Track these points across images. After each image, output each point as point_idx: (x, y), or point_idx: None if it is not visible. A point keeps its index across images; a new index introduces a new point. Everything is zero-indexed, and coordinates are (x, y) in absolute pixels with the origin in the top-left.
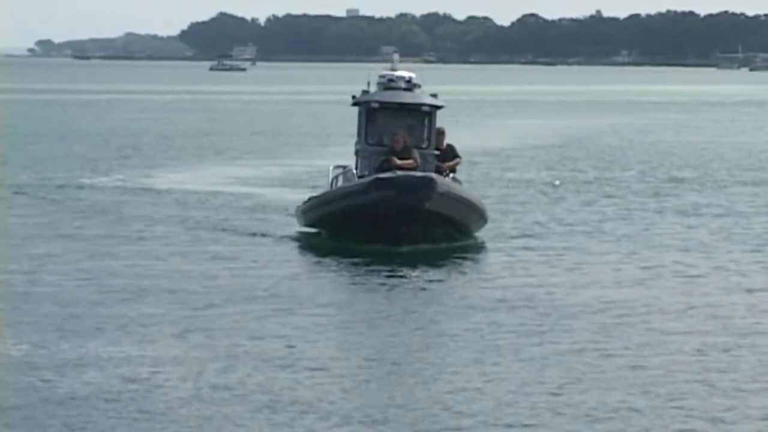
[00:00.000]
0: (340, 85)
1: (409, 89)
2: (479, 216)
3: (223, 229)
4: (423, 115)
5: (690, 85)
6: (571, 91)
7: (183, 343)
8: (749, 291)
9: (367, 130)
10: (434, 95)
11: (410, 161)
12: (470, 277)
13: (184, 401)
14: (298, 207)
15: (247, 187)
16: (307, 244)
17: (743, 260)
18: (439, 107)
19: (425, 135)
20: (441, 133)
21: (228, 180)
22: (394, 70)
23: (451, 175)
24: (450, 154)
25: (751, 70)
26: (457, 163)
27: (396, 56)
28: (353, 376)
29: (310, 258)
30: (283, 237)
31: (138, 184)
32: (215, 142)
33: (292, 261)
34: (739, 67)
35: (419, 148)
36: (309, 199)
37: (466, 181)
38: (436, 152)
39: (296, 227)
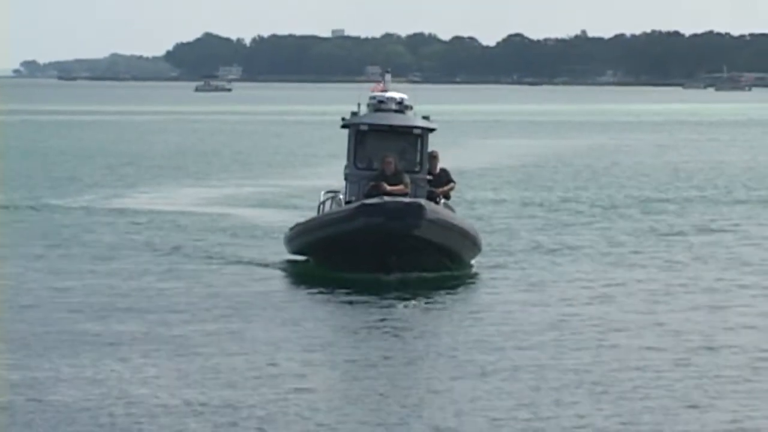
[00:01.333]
0: (326, 105)
1: (400, 111)
2: (472, 244)
3: (201, 254)
4: (414, 138)
5: (656, 103)
6: (537, 110)
7: (158, 361)
8: (718, 308)
9: (357, 154)
10: (426, 117)
11: (400, 187)
12: (456, 303)
13: (155, 417)
14: (285, 234)
15: (220, 207)
16: (290, 269)
17: (712, 278)
18: (431, 130)
19: (417, 159)
20: (434, 156)
21: (200, 201)
22: (385, 90)
23: (442, 201)
24: (443, 178)
25: (716, 90)
26: (451, 188)
27: (388, 76)
28: (334, 393)
29: (290, 280)
30: (256, 259)
31: (105, 205)
32: (193, 163)
33: (269, 281)
34: (705, 87)
35: (411, 172)
36: (295, 225)
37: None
38: (429, 177)
39: (271, 249)
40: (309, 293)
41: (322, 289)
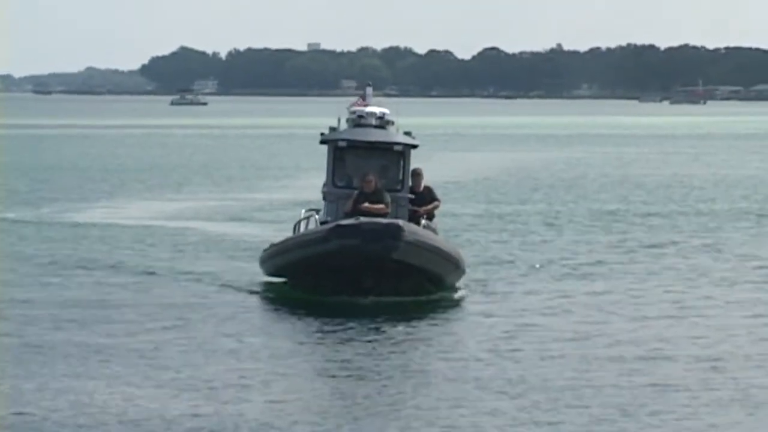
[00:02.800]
0: (303, 118)
1: (381, 126)
2: (454, 266)
3: (149, 267)
4: (396, 155)
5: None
6: (492, 123)
7: (119, 371)
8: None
9: (335, 171)
10: (408, 133)
11: (381, 206)
12: (435, 324)
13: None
14: (261, 255)
15: (180, 221)
16: (264, 289)
17: (677, 290)
18: (413, 146)
19: (398, 177)
20: (418, 174)
21: (158, 214)
22: (366, 105)
23: (422, 221)
24: (427, 197)
25: (671, 103)
26: (435, 207)
27: (369, 90)
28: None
29: (263, 303)
30: (214, 272)
31: (60, 219)
32: (154, 176)
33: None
34: (660, 101)
35: (392, 191)
36: (270, 246)
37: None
38: (411, 196)
39: (230, 264)
40: (278, 311)
41: (294, 309)
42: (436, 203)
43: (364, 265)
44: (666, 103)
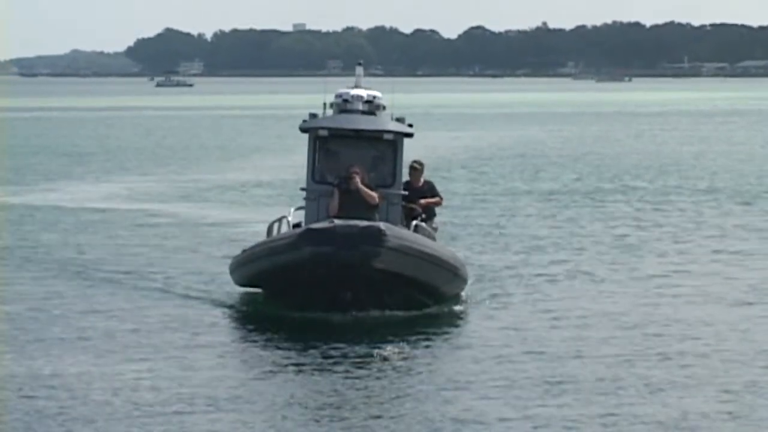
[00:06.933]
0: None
1: (369, 112)
2: (452, 274)
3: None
4: (386, 144)
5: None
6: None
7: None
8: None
9: (315, 164)
10: (401, 119)
11: (373, 194)
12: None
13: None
14: (230, 263)
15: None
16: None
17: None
18: (407, 135)
19: (390, 170)
20: (416, 168)
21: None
22: (357, 87)
23: (414, 222)
24: (428, 194)
25: (597, 81)
26: (436, 204)
27: (359, 69)
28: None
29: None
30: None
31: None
32: (130, 158)
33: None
34: (597, 81)
35: (382, 186)
36: (242, 251)
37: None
38: (404, 192)
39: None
40: (241, 330)
41: (264, 325)
42: (437, 199)
43: (340, 276)
44: (592, 81)
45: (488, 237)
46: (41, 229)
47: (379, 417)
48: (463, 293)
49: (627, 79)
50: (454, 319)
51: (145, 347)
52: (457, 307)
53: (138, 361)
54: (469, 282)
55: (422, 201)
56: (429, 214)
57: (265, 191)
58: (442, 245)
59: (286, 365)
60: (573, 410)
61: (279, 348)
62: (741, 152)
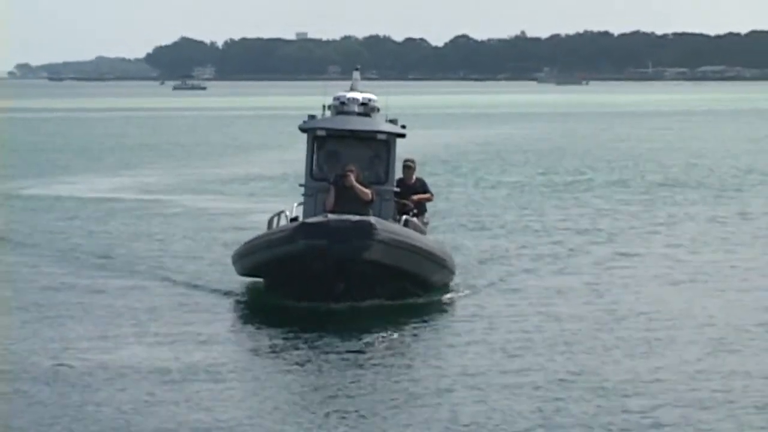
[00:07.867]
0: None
1: (364, 114)
2: (439, 266)
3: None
4: (380, 144)
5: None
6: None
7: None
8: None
9: (313, 162)
10: (393, 121)
11: (367, 191)
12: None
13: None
14: (233, 254)
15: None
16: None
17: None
18: (399, 135)
19: (382, 169)
20: (409, 166)
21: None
22: (354, 90)
23: (404, 217)
24: (419, 191)
25: (557, 84)
26: (427, 199)
27: (356, 74)
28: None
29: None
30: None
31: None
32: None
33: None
34: (557, 84)
35: (375, 184)
36: (244, 243)
37: None
38: (396, 189)
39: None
40: (242, 318)
41: (264, 315)
42: (428, 195)
43: (333, 268)
44: (552, 84)
45: (466, 226)
46: (59, 219)
47: (372, 404)
48: (451, 283)
49: (584, 82)
50: (442, 308)
51: (148, 331)
52: (446, 297)
53: (142, 345)
54: (457, 272)
55: (414, 197)
56: (420, 209)
57: (270, 184)
58: (430, 238)
59: (281, 351)
60: (561, 399)
61: (275, 336)
62: (695, 147)
